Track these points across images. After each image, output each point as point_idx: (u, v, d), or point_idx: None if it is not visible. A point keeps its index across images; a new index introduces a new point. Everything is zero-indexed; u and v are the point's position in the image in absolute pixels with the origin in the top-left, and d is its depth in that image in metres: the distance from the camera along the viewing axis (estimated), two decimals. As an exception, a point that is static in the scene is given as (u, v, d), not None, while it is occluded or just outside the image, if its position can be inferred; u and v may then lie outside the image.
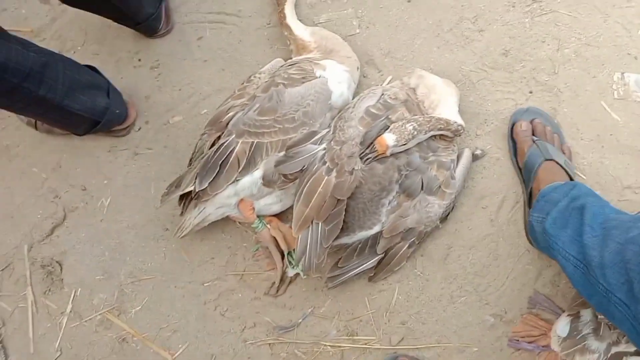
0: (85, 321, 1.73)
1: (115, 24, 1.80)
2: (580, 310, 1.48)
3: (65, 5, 1.92)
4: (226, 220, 1.71)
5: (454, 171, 1.63)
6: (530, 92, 1.81)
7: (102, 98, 1.66)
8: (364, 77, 1.84)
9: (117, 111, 1.73)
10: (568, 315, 1.51)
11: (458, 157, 1.67)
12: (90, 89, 1.63)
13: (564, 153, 1.68)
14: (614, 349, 1.40)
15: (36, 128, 1.83)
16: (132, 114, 1.81)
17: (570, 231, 1.39)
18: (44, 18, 2.00)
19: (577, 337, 1.45)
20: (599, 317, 1.43)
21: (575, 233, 1.38)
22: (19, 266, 1.78)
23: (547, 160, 1.62)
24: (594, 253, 1.29)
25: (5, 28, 1.44)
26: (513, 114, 1.76)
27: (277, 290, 1.71)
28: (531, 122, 1.72)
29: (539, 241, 1.59)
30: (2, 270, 1.78)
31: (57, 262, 1.78)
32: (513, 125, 1.74)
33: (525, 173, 1.69)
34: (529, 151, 1.66)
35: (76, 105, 1.57)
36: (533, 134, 1.70)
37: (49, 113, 1.58)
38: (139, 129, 1.85)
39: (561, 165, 1.62)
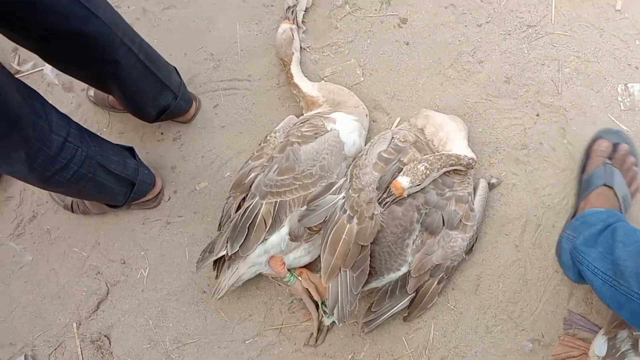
0: (138, 390, 1.80)
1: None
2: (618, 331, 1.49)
3: (88, 89, 2.06)
4: (259, 276, 1.77)
5: (473, 203, 1.67)
6: (537, 115, 1.85)
7: (130, 160, 1.76)
8: (374, 121, 1.91)
9: (146, 172, 1.83)
10: (604, 334, 1.52)
11: (474, 189, 1.72)
12: (119, 151, 1.72)
13: (629, 187, 1.64)
14: (656, 363, 1.40)
15: (72, 211, 1.95)
16: (158, 182, 1.91)
17: (600, 249, 1.42)
18: (69, 105, 2.13)
19: (617, 355, 1.45)
20: (635, 332, 1.43)
21: (605, 251, 1.40)
22: (70, 344, 1.87)
23: (605, 186, 1.61)
24: (627, 263, 1.31)
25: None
26: (600, 130, 1.72)
27: (316, 341, 1.75)
28: (615, 145, 1.67)
29: (563, 258, 1.61)
30: (55, 349, 1.87)
31: (105, 336, 1.86)
32: (594, 141, 1.71)
33: (581, 190, 1.69)
34: (594, 170, 1.65)
35: (112, 165, 1.64)
36: (609, 158, 1.66)
37: (86, 191, 1.66)
38: (169, 199, 1.94)
39: (617, 197, 1.59)
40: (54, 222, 1.98)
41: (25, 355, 1.86)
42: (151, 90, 1.74)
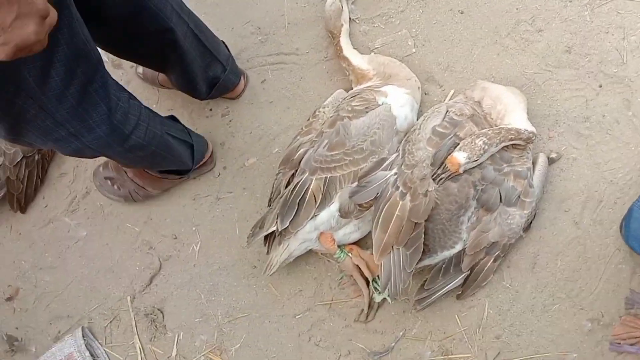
0: (191, 363, 1.84)
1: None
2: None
3: (137, 67, 2.07)
4: (309, 252, 1.76)
5: (532, 179, 1.61)
6: (600, 86, 1.76)
7: (178, 124, 1.79)
8: (426, 94, 1.86)
9: (194, 133, 1.86)
10: (672, 314, 1.45)
11: (533, 164, 1.65)
12: (167, 118, 1.75)
13: None
14: None
15: (133, 199, 1.96)
16: (209, 143, 1.92)
17: None
18: (119, 82, 2.14)
19: (686, 337, 1.39)
20: None
21: None
22: (124, 317, 1.92)
23: None
24: None
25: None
26: None
27: (367, 317, 1.74)
28: None
29: (631, 229, 1.53)
30: (111, 322, 1.92)
31: (158, 309, 1.90)
32: None
33: None
34: None
35: (169, 128, 1.67)
36: None
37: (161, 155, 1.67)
38: (219, 175, 1.95)
39: None
40: (106, 198, 2.01)
41: (82, 327, 1.91)
42: (202, 61, 1.73)
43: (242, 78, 1.94)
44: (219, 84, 1.82)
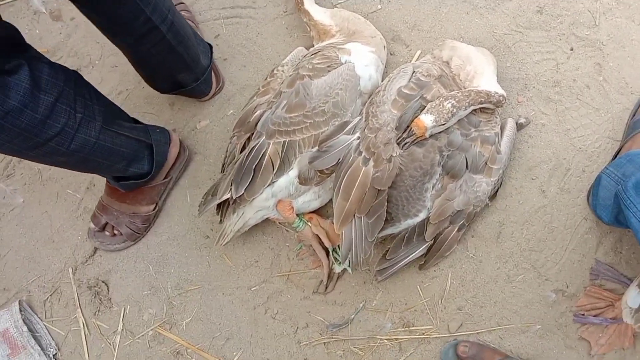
0: (138, 338, 1.72)
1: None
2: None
3: (78, 20, 1.89)
4: (266, 221, 1.66)
5: (499, 145, 1.53)
6: (571, 50, 1.69)
7: (137, 123, 1.62)
8: (392, 54, 1.75)
9: (158, 130, 1.68)
10: (638, 285, 1.42)
11: (501, 129, 1.57)
12: (127, 119, 1.58)
13: None
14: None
15: (129, 238, 1.77)
16: (175, 138, 1.74)
17: None
18: (58, 36, 1.96)
19: (652, 307, 1.36)
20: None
21: None
22: (66, 290, 1.78)
23: None
24: None
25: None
26: None
27: (326, 288, 1.66)
28: None
29: (599, 197, 1.49)
30: (51, 295, 1.78)
31: (102, 282, 1.77)
32: None
33: (627, 130, 1.58)
34: None
35: (119, 128, 1.50)
36: None
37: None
38: (167, 138, 1.81)
39: None
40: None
41: (20, 300, 1.77)
42: (170, 68, 1.60)
43: (213, 86, 1.78)
44: (185, 90, 1.69)
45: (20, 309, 1.74)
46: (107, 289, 1.77)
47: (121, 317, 1.74)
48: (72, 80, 1.37)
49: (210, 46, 1.75)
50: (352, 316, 1.64)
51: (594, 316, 1.54)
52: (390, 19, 1.76)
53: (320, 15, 1.69)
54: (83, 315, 1.75)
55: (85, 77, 1.43)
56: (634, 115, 1.59)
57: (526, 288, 1.61)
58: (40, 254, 1.82)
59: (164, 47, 1.52)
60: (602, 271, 1.57)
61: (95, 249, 1.79)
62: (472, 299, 1.62)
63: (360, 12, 1.76)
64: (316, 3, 1.74)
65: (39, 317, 1.78)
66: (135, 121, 1.63)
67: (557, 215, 1.62)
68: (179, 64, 1.60)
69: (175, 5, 1.76)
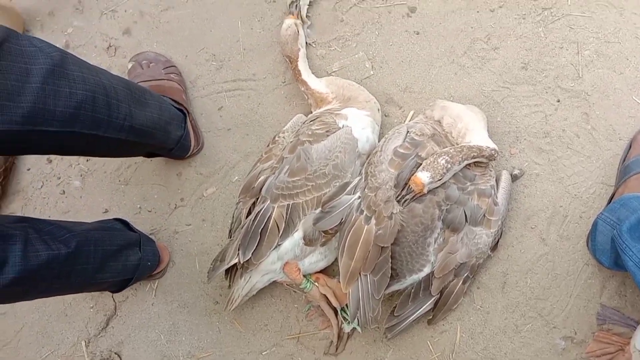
0: (152, 409, 1.72)
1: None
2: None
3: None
4: (274, 284, 1.69)
5: (496, 197, 1.58)
6: (558, 101, 1.76)
7: (134, 256, 1.59)
8: (386, 116, 1.83)
9: (149, 264, 1.66)
10: (645, 328, 1.43)
11: (497, 181, 1.63)
12: (122, 251, 1.54)
13: None
14: None
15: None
16: (165, 258, 1.77)
17: None
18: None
19: (661, 350, 1.37)
20: (680, 326, 1.34)
21: None
22: (80, 363, 1.80)
23: None
24: None
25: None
26: None
27: (337, 349, 1.67)
28: None
29: (597, 243, 1.52)
30: (65, 369, 1.80)
31: (115, 353, 1.78)
32: (638, 132, 1.65)
33: (619, 175, 1.62)
34: (635, 157, 1.58)
35: (107, 275, 1.49)
36: None
37: (76, 290, 1.49)
38: (175, 207, 1.86)
39: None
40: None
41: (33, 377, 1.78)
42: (139, 152, 1.62)
43: (192, 147, 1.79)
44: (161, 156, 1.73)
45: (34, 385, 1.75)
46: (120, 360, 1.78)
47: (135, 388, 1.74)
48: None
49: (185, 114, 1.74)
50: (365, 375, 1.64)
51: (606, 362, 1.53)
52: (383, 83, 1.85)
53: (316, 84, 1.77)
54: (97, 389, 1.76)
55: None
56: (624, 161, 1.64)
57: (535, 337, 1.61)
58: (53, 328, 1.84)
59: (128, 146, 1.47)
60: (609, 315, 1.58)
61: (108, 321, 1.81)
62: (482, 352, 1.62)
63: (354, 78, 1.84)
64: (312, 73, 1.83)
65: (53, 393, 1.78)
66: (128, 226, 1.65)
67: (559, 262, 1.65)
68: (146, 148, 1.58)
69: (166, 67, 1.85)
